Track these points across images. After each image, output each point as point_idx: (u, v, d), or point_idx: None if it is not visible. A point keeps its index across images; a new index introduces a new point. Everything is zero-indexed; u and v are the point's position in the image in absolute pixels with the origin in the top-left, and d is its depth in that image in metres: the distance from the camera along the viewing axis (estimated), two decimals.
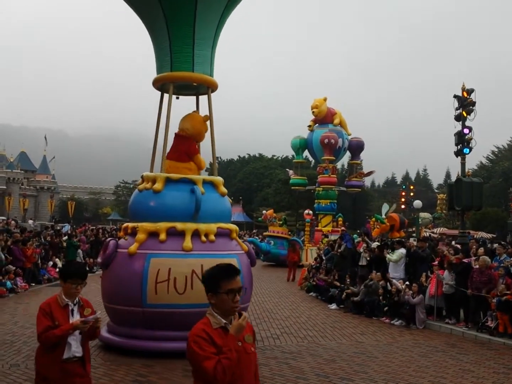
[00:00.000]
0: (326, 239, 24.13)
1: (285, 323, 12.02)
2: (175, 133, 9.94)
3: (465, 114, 16.99)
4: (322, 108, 30.77)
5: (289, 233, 30.39)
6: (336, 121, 31.11)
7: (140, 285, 8.41)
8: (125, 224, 9.78)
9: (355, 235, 22.11)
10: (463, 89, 17.24)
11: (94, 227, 30.92)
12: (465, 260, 12.37)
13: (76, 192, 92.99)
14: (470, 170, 41.32)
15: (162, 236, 8.78)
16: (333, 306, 14.72)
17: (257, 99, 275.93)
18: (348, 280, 14.96)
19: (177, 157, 9.69)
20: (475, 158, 71.86)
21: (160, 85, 10.17)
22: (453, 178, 18.07)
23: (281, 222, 29.12)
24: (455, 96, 17.44)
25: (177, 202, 9.01)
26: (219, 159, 78.32)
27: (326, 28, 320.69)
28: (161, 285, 8.37)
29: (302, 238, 29.77)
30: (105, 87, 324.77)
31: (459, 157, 17.42)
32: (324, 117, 31.13)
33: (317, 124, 32.06)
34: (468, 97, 17.11)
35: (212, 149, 10.43)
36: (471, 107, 17.07)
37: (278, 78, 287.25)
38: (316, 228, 30.58)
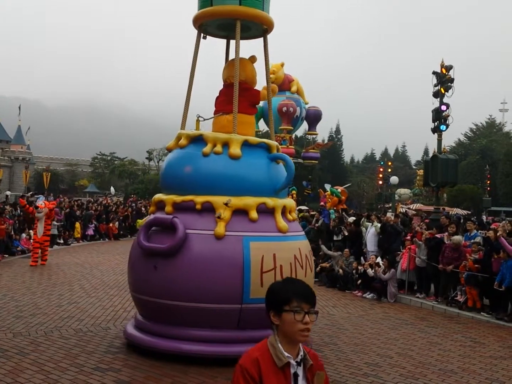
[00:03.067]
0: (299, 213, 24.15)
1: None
2: (229, 82, 8.11)
3: (443, 91, 17.03)
4: (279, 74, 28.04)
5: None
6: (294, 88, 28.87)
7: (241, 276, 6.74)
8: (188, 197, 7.20)
9: (331, 210, 22.32)
10: (442, 66, 17.25)
11: (69, 199, 30.51)
12: (437, 236, 12.54)
13: (52, 163, 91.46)
14: (447, 147, 41.84)
15: (254, 214, 7.09)
16: None
17: None
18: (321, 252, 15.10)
19: (241, 109, 7.80)
20: (454, 135, 72.62)
21: (202, 25, 8.31)
22: (431, 155, 18.29)
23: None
24: (433, 73, 17.45)
25: (259, 172, 7.47)
26: None
27: None
28: (267, 275, 6.79)
29: None
30: (85, 58, 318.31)
31: (436, 134, 17.55)
32: (281, 84, 28.35)
33: None
34: (446, 73, 17.13)
35: (268, 105, 8.75)
36: (449, 83, 17.11)
37: None
38: None
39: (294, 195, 28.73)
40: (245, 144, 7.44)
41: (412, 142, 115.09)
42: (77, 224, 23.19)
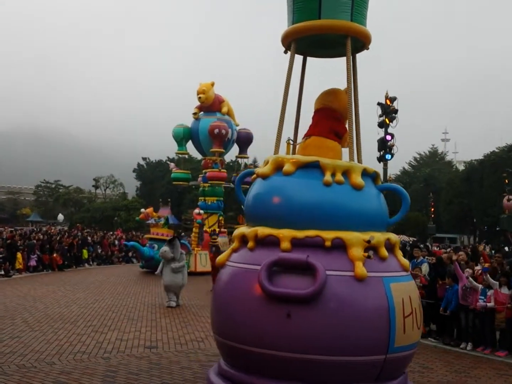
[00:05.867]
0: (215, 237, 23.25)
1: (210, 326, 11.91)
2: (318, 108, 7.79)
3: (387, 121, 17.67)
4: (210, 94, 27.13)
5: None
6: (224, 109, 27.76)
7: (388, 323, 5.96)
8: (312, 232, 6.26)
9: None
10: (386, 97, 17.93)
11: (11, 229, 29.40)
12: None
13: None
14: (392, 176, 43.14)
15: (384, 251, 6.37)
16: None
17: None
18: None
19: (325, 133, 7.38)
20: (399, 164, 74.97)
21: (290, 44, 7.58)
22: None
23: (163, 222, 26.06)
24: (378, 104, 18.10)
25: (376, 204, 6.81)
26: (147, 160, 76.99)
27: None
28: (408, 319, 6.17)
29: (189, 240, 26.31)
30: (26, 83, 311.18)
31: (381, 163, 18.10)
32: (211, 104, 27.48)
33: (202, 112, 28.17)
34: (391, 104, 17.81)
35: (357, 130, 7.58)
36: (393, 114, 17.77)
37: None
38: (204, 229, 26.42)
39: (222, 221, 27.43)
40: (363, 173, 6.75)
41: None
42: (19, 255, 22.30)
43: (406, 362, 6.55)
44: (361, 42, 7.44)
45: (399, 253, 6.77)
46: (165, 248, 14.88)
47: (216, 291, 6.86)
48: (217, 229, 26.19)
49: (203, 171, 28.23)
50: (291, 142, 7.69)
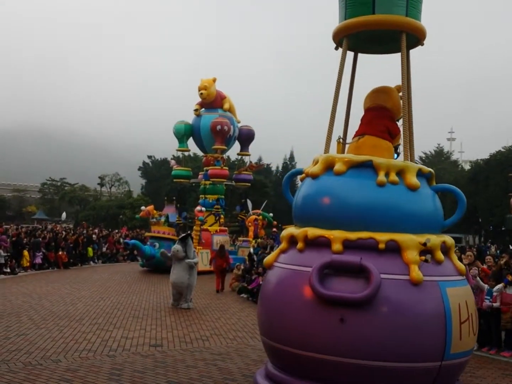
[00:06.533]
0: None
1: (215, 325, 11.94)
2: (370, 106, 7.55)
3: None
4: (211, 90, 26.83)
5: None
6: (226, 106, 27.52)
7: (444, 328, 5.81)
8: (365, 234, 6.08)
9: None
10: None
11: (17, 226, 29.51)
12: None
13: None
14: None
15: (440, 254, 6.23)
16: None
17: None
18: None
19: (379, 133, 7.20)
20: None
21: (342, 40, 7.32)
22: None
23: (163, 220, 25.67)
24: None
25: (431, 205, 6.63)
26: (153, 158, 77.07)
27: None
28: (465, 325, 6.03)
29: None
30: (32, 80, 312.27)
31: None
32: (213, 101, 27.16)
33: (203, 109, 27.83)
34: None
35: (410, 129, 7.16)
36: None
37: None
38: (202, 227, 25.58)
39: (222, 220, 27.53)
40: (418, 173, 6.55)
41: None
42: (25, 252, 22.38)
43: (461, 370, 6.40)
44: (416, 38, 7.12)
45: (454, 257, 6.61)
46: (177, 246, 14.13)
47: (264, 293, 6.72)
48: (218, 228, 26.22)
49: (204, 168, 27.99)
50: (341, 141, 7.49)
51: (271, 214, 29.69)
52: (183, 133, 27.83)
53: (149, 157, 78.56)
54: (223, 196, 28.12)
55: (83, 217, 61.16)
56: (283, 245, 6.78)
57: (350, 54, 7.65)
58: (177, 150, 29.51)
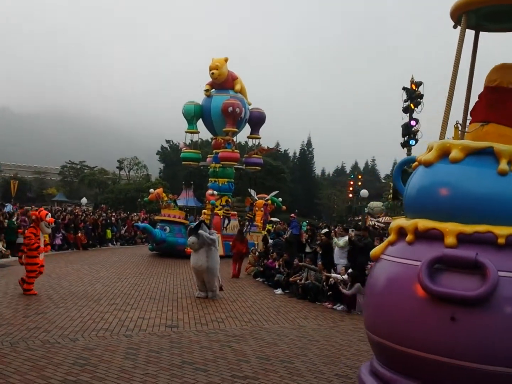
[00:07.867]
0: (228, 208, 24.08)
1: (231, 307, 12.05)
2: (494, 86, 6.71)
3: (412, 106, 17.43)
4: (223, 70, 25.70)
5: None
6: (237, 87, 26.50)
7: None
8: (482, 227, 5.54)
9: (304, 222, 22.50)
10: (412, 82, 17.66)
11: (36, 208, 29.93)
12: None
13: (20, 171, 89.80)
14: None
15: None
16: (279, 291, 14.88)
17: None
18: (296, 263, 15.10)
19: (505, 120, 6.45)
20: (423, 150, 73.84)
21: (460, 17, 6.67)
22: None
23: (172, 204, 25.18)
24: (403, 88, 17.85)
25: None
26: (171, 143, 77.30)
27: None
28: None
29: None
30: (55, 67, 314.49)
31: (405, 148, 17.90)
32: (224, 81, 26.15)
33: (214, 90, 26.88)
34: (416, 89, 17.55)
35: None
36: (418, 99, 17.51)
37: None
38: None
39: (229, 201, 26.70)
40: None
41: (381, 156, 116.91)
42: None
43: None
44: None
45: None
46: (192, 239, 13.30)
47: (370, 286, 6.41)
48: (228, 212, 25.55)
49: (214, 151, 27.24)
50: (459, 127, 6.94)
51: (280, 199, 29.81)
52: (193, 114, 26.91)
53: (167, 141, 78.87)
54: (232, 180, 27.53)
55: (102, 200, 61.79)
56: (391, 236, 6.36)
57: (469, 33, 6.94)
58: (186, 132, 28.20)
